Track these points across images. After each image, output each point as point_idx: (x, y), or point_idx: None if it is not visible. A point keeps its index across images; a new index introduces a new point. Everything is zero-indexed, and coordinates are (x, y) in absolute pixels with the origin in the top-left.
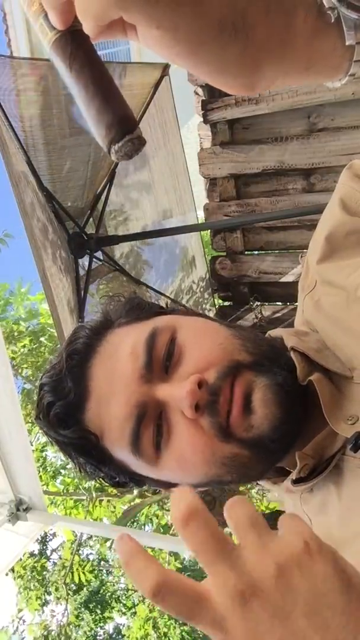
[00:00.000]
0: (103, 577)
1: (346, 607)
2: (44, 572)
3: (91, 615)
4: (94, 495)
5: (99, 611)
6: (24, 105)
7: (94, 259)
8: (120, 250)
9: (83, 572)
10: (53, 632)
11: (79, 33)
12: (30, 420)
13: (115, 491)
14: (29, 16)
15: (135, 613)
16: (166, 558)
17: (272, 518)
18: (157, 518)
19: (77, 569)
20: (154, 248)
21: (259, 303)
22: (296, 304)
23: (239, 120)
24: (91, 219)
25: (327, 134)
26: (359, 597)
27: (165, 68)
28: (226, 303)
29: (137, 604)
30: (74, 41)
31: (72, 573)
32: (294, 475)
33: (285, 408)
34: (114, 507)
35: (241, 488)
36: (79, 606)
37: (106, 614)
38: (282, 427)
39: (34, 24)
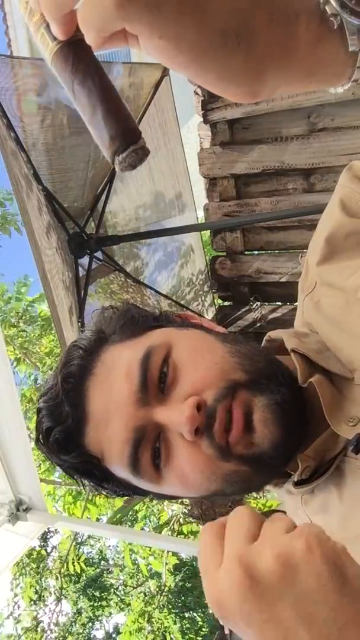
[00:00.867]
0: (102, 568)
1: (337, 604)
2: (41, 562)
3: (90, 602)
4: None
5: (97, 596)
6: (24, 105)
7: (94, 259)
8: (119, 250)
9: (79, 563)
10: (44, 624)
11: (80, 43)
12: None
13: None
14: (30, 27)
15: (130, 607)
16: (165, 556)
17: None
18: (157, 512)
19: (72, 559)
20: (153, 247)
21: (258, 303)
22: (296, 304)
23: (239, 120)
24: (91, 219)
25: (327, 134)
26: (354, 596)
27: (166, 68)
28: (226, 303)
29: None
30: (75, 52)
31: (68, 563)
32: (295, 478)
33: (286, 427)
34: (113, 500)
35: None
36: (78, 591)
37: (104, 603)
38: (282, 445)
39: (34, 34)
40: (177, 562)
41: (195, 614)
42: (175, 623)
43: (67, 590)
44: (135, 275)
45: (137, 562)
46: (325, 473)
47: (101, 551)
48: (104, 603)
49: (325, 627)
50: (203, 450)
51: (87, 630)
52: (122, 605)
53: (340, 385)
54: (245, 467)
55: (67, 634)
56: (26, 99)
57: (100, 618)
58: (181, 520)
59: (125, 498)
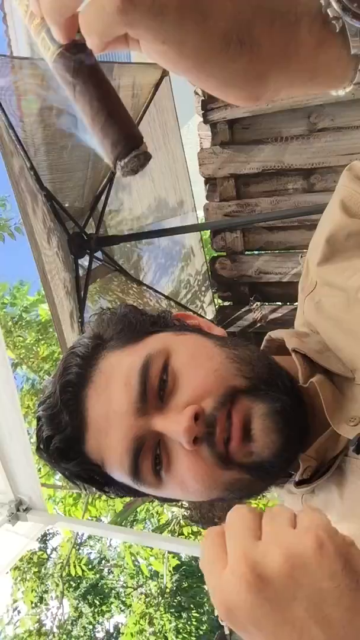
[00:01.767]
0: (103, 573)
1: (352, 604)
2: (42, 566)
3: (90, 607)
4: (94, 491)
5: (97, 602)
6: (24, 105)
7: (94, 259)
8: (119, 250)
9: (80, 566)
10: (46, 627)
11: (82, 47)
12: (34, 410)
13: None
14: (30, 30)
15: (131, 609)
16: (165, 555)
17: None
18: (157, 514)
19: (73, 562)
20: (153, 247)
21: (258, 303)
22: (296, 304)
23: (239, 120)
24: (91, 219)
25: (327, 134)
26: None
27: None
28: (226, 303)
29: (135, 601)
30: (77, 55)
31: (69, 566)
32: (297, 478)
33: (286, 435)
34: (114, 503)
35: None
36: (78, 597)
37: (105, 608)
38: (283, 453)
39: (35, 38)
40: (178, 562)
41: (190, 614)
42: (170, 622)
43: (68, 596)
44: (135, 276)
45: (137, 562)
46: (327, 473)
47: (100, 552)
48: (104, 608)
49: (341, 628)
50: (203, 458)
51: (88, 633)
52: (123, 607)
53: (341, 385)
54: (246, 475)
55: (68, 637)
56: (26, 99)
57: (101, 622)
58: (181, 522)
59: (125, 501)
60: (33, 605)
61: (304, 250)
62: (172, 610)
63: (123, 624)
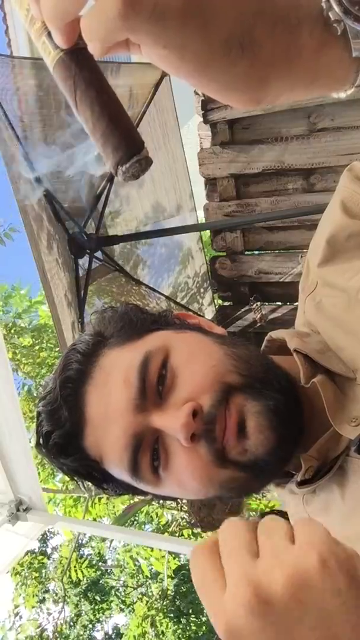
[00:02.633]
0: (103, 571)
1: (359, 620)
2: (42, 570)
3: (90, 605)
4: (94, 493)
5: (98, 599)
6: (24, 105)
7: (94, 259)
8: (119, 250)
9: (81, 570)
10: (48, 632)
11: (82, 52)
12: (30, 416)
13: None
14: (31, 34)
15: (133, 610)
16: (165, 557)
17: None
18: (157, 516)
19: (74, 566)
20: (152, 247)
21: (258, 303)
22: (296, 304)
23: (239, 120)
24: (91, 219)
25: (327, 134)
26: None
27: None
28: (226, 303)
29: (135, 602)
30: (78, 60)
31: (70, 571)
32: (298, 478)
33: (280, 433)
34: (113, 506)
35: None
36: (78, 594)
37: (105, 606)
38: (277, 451)
39: (36, 42)
40: (178, 564)
41: (189, 619)
42: (168, 627)
43: (68, 594)
44: (135, 276)
45: (137, 562)
46: (328, 473)
47: (99, 552)
48: (104, 606)
49: None
50: (200, 456)
51: (87, 632)
52: (123, 607)
53: (343, 386)
54: (241, 473)
55: (67, 637)
56: (26, 99)
57: (101, 620)
58: (181, 523)
59: (125, 504)
60: (34, 608)
61: (304, 250)
62: (171, 615)
63: (122, 625)
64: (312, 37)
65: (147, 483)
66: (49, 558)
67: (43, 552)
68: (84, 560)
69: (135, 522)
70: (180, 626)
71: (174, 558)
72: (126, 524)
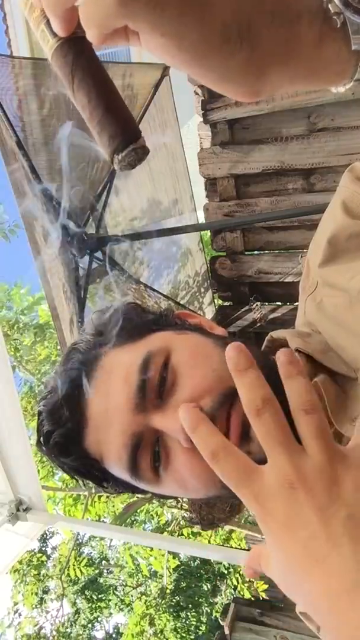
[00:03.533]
0: (102, 571)
1: None
2: (41, 568)
3: (87, 603)
4: (93, 491)
5: (95, 598)
6: (24, 105)
7: (94, 259)
8: (119, 250)
9: (79, 568)
10: (45, 630)
11: (81, 40)
12: (32, 413)
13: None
14: (30, 22)
15: (132, 609)
16: (166, 558)
17: None
18: (157, 515)
19: (73, 564)
20: (152, 247)
21: (258, 303)
22: (296, 304)
23: (239, 120)
24: (91, 219)
25: (327, 134)
26: None
27: (166, 68)
28: (226, 303)
29: (134, 601)
30: (76, 48)
31: (69, 569)
32: None
33: None
34: (113, 505)
35: None
36: (77, 592)
37: (102, 604)
38: None
39: (35, 30)
40: (178, 562)
41: (189, 614)
42: (169, 622)
43: (67, 591)
44: (134, 275)
45: (137, 561)
46: None
47: (101, 552)
48: (102, 604)
49: None
50: (201, 456)
51: (87, 632)
52: (122, 606)
53: (344, 385)
54: None
55: (66, 637)
56: (26, 99)
57: (99, 619)
58: (181, 522)
59: (125, 502)
60: (33, 607)
61: (304, 250)
62: (171, 610)
63: (122, 625)
64: (311, 30)
65: (147, 482)
66: (48, 558)
67: (42, 551)
68: (83, 559)
69: (135, 521)
70: (180, 621)
71: (174, 558)
72: (126, 523)
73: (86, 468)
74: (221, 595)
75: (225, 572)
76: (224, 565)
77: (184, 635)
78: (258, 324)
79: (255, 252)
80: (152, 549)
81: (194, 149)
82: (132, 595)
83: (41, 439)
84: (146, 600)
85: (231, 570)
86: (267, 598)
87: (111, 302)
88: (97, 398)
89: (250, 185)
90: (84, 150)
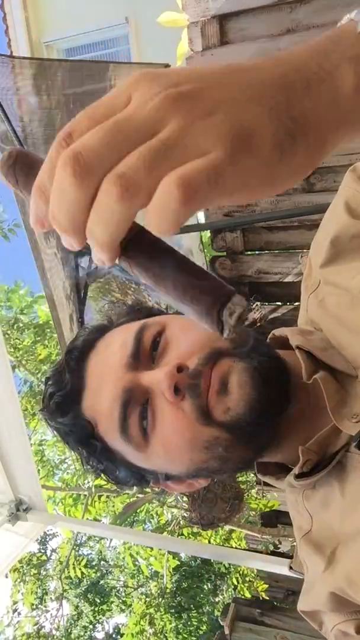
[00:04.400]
0: (103, 572)
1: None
2: (41, 567)
3: (90, 606)
4: (93, 491)
5: (98, 601)
6: (24, 105)
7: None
8: None
9: (79, 568)
10: (45, 629)
11: (141, 234)
12: (32, 412)
13: (114, 487)
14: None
15: (132, 610)
16: (166, 558)
17: (271, 517)
18: (157, 515)
19: (72, 563)
20: None
21: (258, 303)
22: (296, 303)
23: None
24: None
25: None
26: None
27: (167, 67)
28: None
29: (135, 602)
30: (142, 248)
31: (68, 567)
32: (296, 470)
33: (262, 392)
34: (113, 504)
35: (242, 487)
36: (79, 595)
37: (105, 607)
38: (258, 407)
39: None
40: (178, 563)
41: (190, 614)
42: (170, 623)
43: (68, 594)
44: (135, 276)
45: (137, 562)
46: (327, 467)
47: (101, 552)
48: (104, 607)
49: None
50: (185, 412)
51: (88, 633)
52: (123, 607)
53: (344, 383)
54: (224, 434)
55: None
56: (26, 99)
57: (101, 621)
58: (181, 522)
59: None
60: (33, 607)
61: (304, 250)
62: (172, 610)
63: (123, 625)
64: (355, 75)
65: (135, 446)
66: (48, 559)
67: (42, 552)
68: (82, 559)
69: (135, 521)
70: (182, 621)
71: (174, 558)
72: (126, 522)
73: (80, 431)
74: (222, 594)
75: (226, 572)
76: (224, 565)
77: (185, 636)
78: (258, 324)
79: (255, 252)
80: (152, 549)
81: None
82: (132, 597)
83: (43, 402)
84: (146, 600)
85: (231, 570)
86: (267, 598)
87: (111, 301)
88: (95, 363)
89: None
90: None
